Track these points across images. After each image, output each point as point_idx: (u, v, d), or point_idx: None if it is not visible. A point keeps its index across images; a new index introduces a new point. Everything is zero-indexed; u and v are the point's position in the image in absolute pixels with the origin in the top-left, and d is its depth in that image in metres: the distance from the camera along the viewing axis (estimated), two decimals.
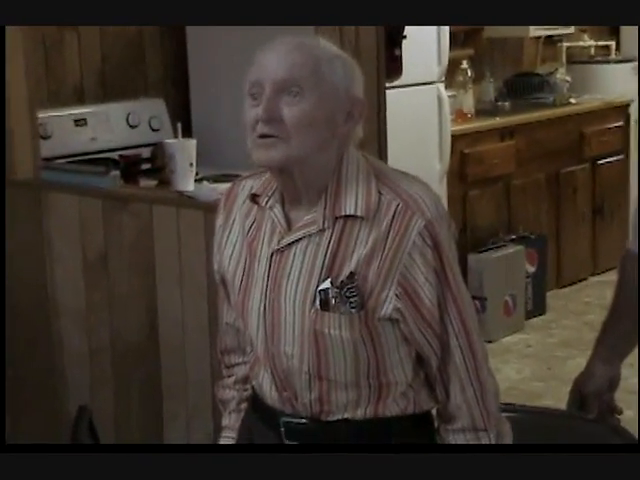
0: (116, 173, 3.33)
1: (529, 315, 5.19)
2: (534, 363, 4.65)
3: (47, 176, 3.34)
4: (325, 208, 1.76)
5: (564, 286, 5.68)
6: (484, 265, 4.83)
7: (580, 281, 5.79)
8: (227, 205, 1.93)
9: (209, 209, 2.88)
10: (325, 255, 1.76)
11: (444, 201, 4.54)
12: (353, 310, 1.74)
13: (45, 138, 3.75)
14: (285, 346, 1.80)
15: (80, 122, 3.98)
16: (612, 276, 5.71)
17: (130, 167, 3.52)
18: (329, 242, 1.76)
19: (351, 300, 1.74)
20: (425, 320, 1.77)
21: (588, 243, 5.87)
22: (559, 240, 5.66)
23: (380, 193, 1.76)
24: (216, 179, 3.60)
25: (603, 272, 5.86)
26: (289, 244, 1.79)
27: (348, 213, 1.75)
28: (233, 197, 1.92)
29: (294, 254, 1.79)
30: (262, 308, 1.82)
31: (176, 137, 3.53)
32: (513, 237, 5.23)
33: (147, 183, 3.53)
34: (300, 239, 1.78)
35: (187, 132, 3.81)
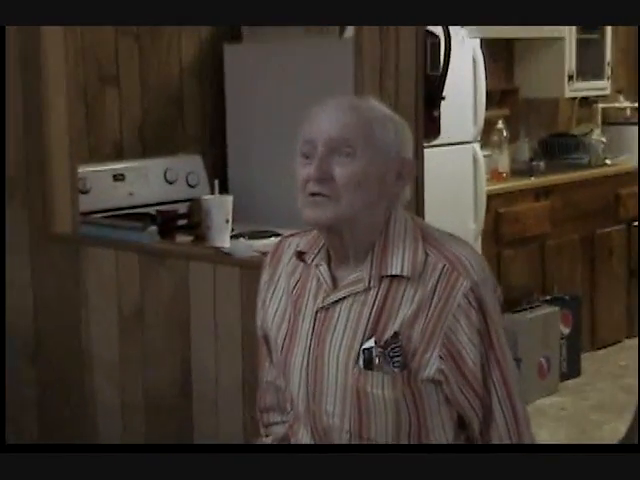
0: (153, 228, 3.36)
1: (563, 377, 5.13)
2: (568, 426, 4.59)
3: (85, 230, 3.37)
4: (372, 267, 1.77)
5: (599, 348, 5.62)
6: (518, 326, 4.80)
7: (615, 343, 5.73)
8: (273, 262, 1.95)
9: (245, 265, 2.90)
10: (370, 314, 1.77)
11: None
12: (396, 370, 1.74)
13: (84, 192, 3.79)
14: (327, 404, 1.80)
15: (118, 177, 4.03)
16: None
17: (167, 222, 3.55)
18: (374, 301, 1.77)
19: (394, 360, 1.74)
20: (468, 382, 1.76)
21: (623, 305, 5.82)
22: (594, 301, 5.62)
23: (426, 254, 1.77)
24: (252, 235, 3.61)
25: (638, 335, 5.79)
26: (334, 302, 1.80)
27: (394, 273, 1.76)
28: (279, 254, 1.94)
29: (339, 312, 1.80)
30: (305, 365, 1.82)
31: (213, 193, 3.56)
32: (548, 298, 5.19)
33: (184, 239, 3.55)
34: (345, 297, 1.79)
35: (224, 188, 3.84)
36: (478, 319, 1.74)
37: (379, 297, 1.77)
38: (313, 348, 1.82)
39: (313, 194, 1.75)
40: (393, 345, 1.74)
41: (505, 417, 1.78)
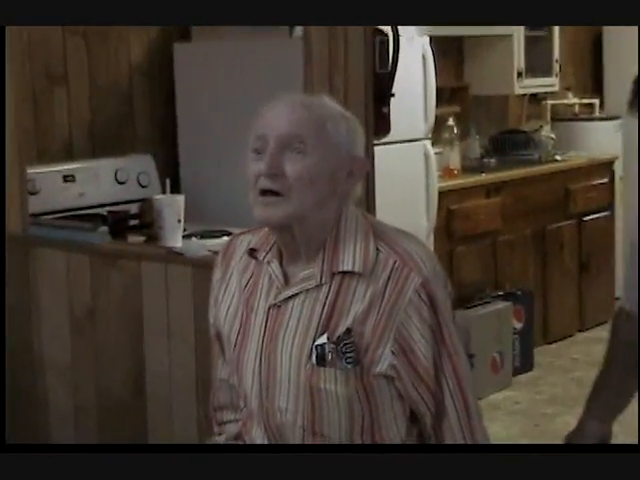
0: (104, 229, 3.33)
1: (516, 372, 5.17)
2: (522, 420, 4.63)
3: (35, 231, 3.34)
4: (323, 263, 1.78)
5: (551, 342, 5.68)
6: (471, 322, 4.83)
7: (567, 337, 5.79)
8: (225, 260, 1.94)
9: (197, 265, 2.89)
10: (322, 310, 1.77)
11: None
12: (349, 366, 1.75)
13: (33, 194, 3.75)
14: (280, 401, 1.80)
15: (69, 178, 3.99)
16: (599, 332, 5.76)
17: (118, 223, 3.52)
18: (326, 297, 1.78)
19: (347, 356, 1.75)
20: (420, 377, 1.77)
21: (575, 299, 5.88)
22: (546, 296, 5.67)
23: (378, 250, 1.77)
24: (204, 235, 3.60)
25: (590, 328, 5.86)
26: (286, 299, 1.81)
27: (346, 269, 1.77)
28: (231, 252, 1.94)
29: (291, 309, 1.80)
30: (257, 362, 1.83)
31: (164, 193, 3.54)
32: (500, 293, 5.23)
33: (135, 239, 3.53)
34: (297, 294, 1.80)
35: (175, 188, 3.82)
36: (429, 314, 1.75)
37: (331, 293, 1.77)
38: (266, 345, 1.82)
39: (264, 191, 1.75)
40: (345, 341, 1.75)
41: (457, 411, 1.79)
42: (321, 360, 1.76)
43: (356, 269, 1.76)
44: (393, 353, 1.75)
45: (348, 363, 1.75)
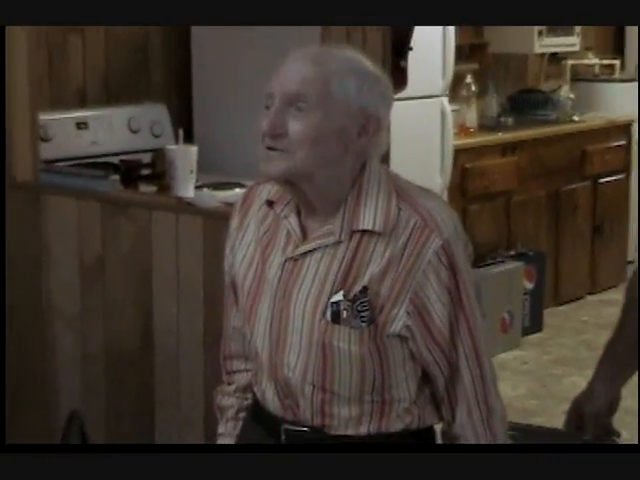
0: (116, 177, 3.32)
1: (526, 332, 5.18)
2: (529, 380, 4.64)
3: (46, 178, 3.32)
4: (343, 221, 1.76)
5: (561, 304, 5.67)
6: (482, 281, 4.81)
7: (578, 299, 5.78)
8: (243, 208, 1.92)
9: (208, 215, 2.88)
10: (339, 267, 1.75)
11: None
12: (363, 324, 1.73)
13: (46, 140, 3.74)
14: (289, 356, 1.79)
15: (82, 125, 3.97)
16: (610, 295, 5.75)
17: (130, 172, 3.51)
18: (344, 255, 1.75)
19: (362, 314, 1.73)
20: (434, 339, 1.75)
21: (587, 261, 5.86)
22: (558, 258, 5.65)
23: (399, 209, 1.75)
24: (216, 186, 3.59)
25: (601, 291, 5.85)
26: (303, 253, 1.79)
27: (366, 228, 1.75)
28: (250, 201, 1.91)
29: (308, 264, 1.78)
30: (270, 315, 1.81)
31: (177, 143, 3.52)
32: (512, 253, 5.22)
33: (147, 189, 3.52)
34: (315, 249, 1.78)
35: (189, 139, 3.80)
36: (448, 277, 1.73)
37: (349, 251, 1.75)
38: (279, 298, 1.80)
39: (268, 148, 1.74)
40: (362, 299, 1.73)
41: (472, 375, 1.78)
42: (336, 317, 1.74)
43: (376, 228, 1.74)
44: (408, 314, 1.73)
45: (363, 321, 1.73)
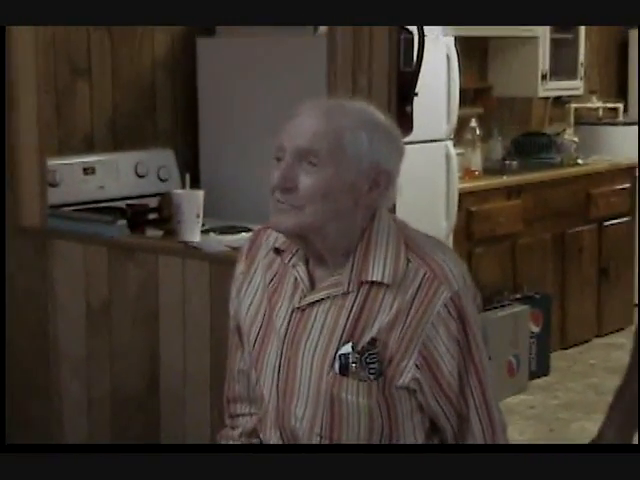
0: (123, 222, 3.33)
1: (532, 376, 5.15)
2: (537, 425, 4.61)
3: (54, 223, 3.34)
4: (352, 272, 1.75)
5: (568, 347, 5.64)
6: (488, 324, 4.80)
7: (585, 342, 5.75)
8: (250, 253, 1.92)
9: (215, 260, 2.89)
10: (347, 319, 1.75)
11: None
12: (372, 376, 1.73)
13: (54, 185, 3.76)
14: (297, 407, 1.79)
15: (89, 170, 3.99)
16: (617, 338, 5.73)
17: (137, 216, 3.52)
18: (352, 306, 1.75)
19: (371, 367, 1.73)
20: (443, 391, 1.75)
21: (593, 304, 5.84)
22: (564, 300, 5.64)
23: (408, 260, 1.74)
24: (222, 231, 3.60)
25: (608, 334, 5.82)
26: (311, 303, 1.78)
27: (375, 279, 1.74)
28: (257, 246, 1.91)
29: (316, 314, 1.78)
30: (277, 364, 1.81)
31: (184, 188, 3.54)
32: (518, 296, 5.21)
33: (154, 233, 3.53)
34: (323, 299, 1.77)
35: (195, 183, 3.82)
36: (457, 329, 1.73)
37: (357, 302, 1.75)
38: (287, 348, 1.80)
39: (279, 201, 1.74)
40: (370, 351, 1.73)
41: (482, 426, 1.78)
42: (344, 369, 1.74)
43: (385, 280, 1.73)
44: (417, 366, 1.73)
45: (371, 374, 1.73)
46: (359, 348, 1.73)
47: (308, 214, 1.72)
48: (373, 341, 1.73)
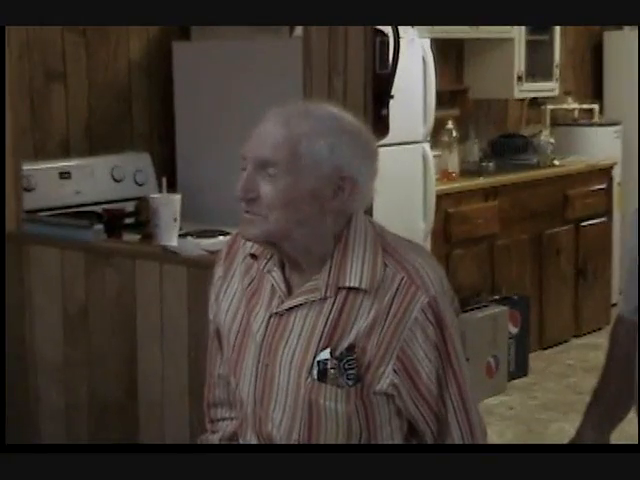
0: (99, 227, 3.31)
1: (511, 377, 5.16)
2: (516, 425, 4.62)
3: (30, 228, 3.32)
4: (329, 277, 1.75)
5: (546, 348, 5.66)
6: (466, 325, 4.81)
7: (563, 343, 5.77)
8: (228, 257, 1.92)
9: (192, 264, 2.87)
10: (325, 324, 1.74)
11: None
12: (350, 382, 1.73)
13: (29, 190, 3.74)
14: (274, 412, 1.78)
15: (65, 175, 3.97)
16: (594, 338, 5.75)
17: (114, 221, 3.51)
18: (330, 312, 1.75)
19: (349, 373, 1.72)
20: (422, 395, 1.75)
21: (571, 305, 5.87)
22: (542, 301, 5.65)
23: (385, 265, 1.74)
24: (200, 234, 3.59)
25: (585, 334, 5.85)
26: (289, 309, 1.78)
27: (352, 285, 1.74)
28: (235, 250, 1.91)
29: (293, 320, 1.77)
30: (255, 370, 1.81)
31: (161, 192, 3.53)
32: (496, 297, 5.22)
33: (130, 237, 3.52)
34: (300, 305, 1.77)
35: (172, 187, 3.81)
36: (435, 334, 1.73)
37: (335, 308, 1.75)
38: (264, 354, 1.79)
39: (245, 211, 1.75)
40: (348, 357, 1.73)
41: (461, 430, 1.78)
42: (322, 376, 1.73)
43: (363, 286, 1.73)
44: (395, 371, 1.73)
45: (349, 380, 1.72)
46: (337, 354, 1.73)
47: (272, 222, 1.72)
48: (351, 347, 1.72)
